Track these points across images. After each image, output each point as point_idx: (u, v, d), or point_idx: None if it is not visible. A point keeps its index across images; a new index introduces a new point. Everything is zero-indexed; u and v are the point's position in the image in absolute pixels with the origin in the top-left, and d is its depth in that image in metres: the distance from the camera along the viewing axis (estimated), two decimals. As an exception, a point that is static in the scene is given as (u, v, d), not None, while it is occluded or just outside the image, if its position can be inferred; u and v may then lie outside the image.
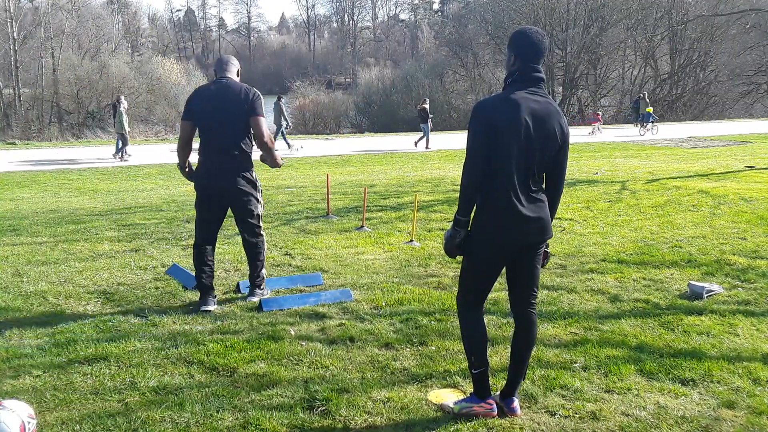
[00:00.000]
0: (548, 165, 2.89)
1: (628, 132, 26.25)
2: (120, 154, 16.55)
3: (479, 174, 2.78)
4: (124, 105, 16.53)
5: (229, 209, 4.53)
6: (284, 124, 19.54)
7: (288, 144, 19.46)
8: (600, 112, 27.65)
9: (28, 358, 3.61)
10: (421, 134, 20.26)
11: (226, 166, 4.37)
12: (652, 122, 24.85)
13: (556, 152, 2.87)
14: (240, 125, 4.35)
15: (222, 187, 4.39)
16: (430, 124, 20.11)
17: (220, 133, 4.34)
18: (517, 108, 2.75)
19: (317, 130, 37.62)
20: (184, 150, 4.48)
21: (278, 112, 19.56)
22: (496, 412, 3.00)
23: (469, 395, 3.09)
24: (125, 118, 16.29)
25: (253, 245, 4.59)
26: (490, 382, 3.11)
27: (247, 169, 4.44)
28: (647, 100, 27.44)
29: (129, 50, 53.81)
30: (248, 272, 4.71)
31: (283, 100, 20.31)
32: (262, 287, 4.74)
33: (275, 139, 19.42)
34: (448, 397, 3.18)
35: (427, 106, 20.04)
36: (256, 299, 4.63)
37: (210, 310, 4.43)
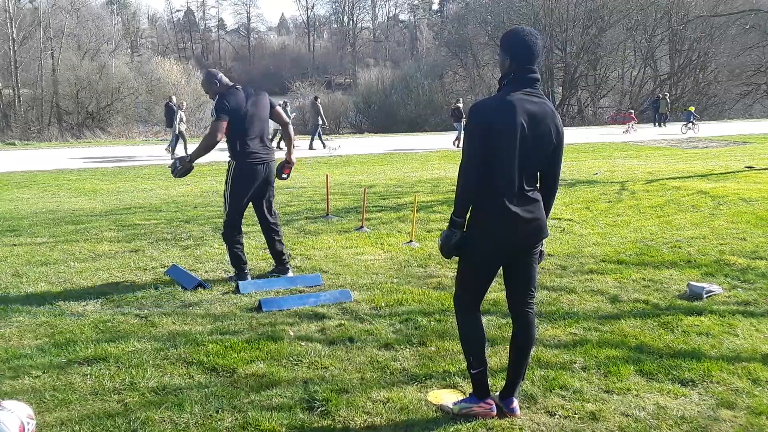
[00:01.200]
0: (544, 166, 2.90)
1: (660, 131, 26.77)
2: (172, 150, 17.46)
3: (476, 175, 2.78)
4: (181, 104, 17.99)
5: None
6: (320, 122, 19.95)
7: (323, 144, 19.85)
8: (632, 111, 27.83)
9: (28, 359, 3.61)
10: (456, 133, 20.74)
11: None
12: (694, 121, 25.42)
13: (552, 153, 2.88)
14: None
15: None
16: (463, 123, 20.38)
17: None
18: (514, 110, 2.75)
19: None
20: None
21: (315, 112, 19.94)
22: (495, 412, 3.00)
23: (468, 395, 3.09)
24: (182, 117, 17.44)
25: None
26: (490, 383, 3.11)
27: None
28: (668, 99, 27.98)
29: (129, 51, 53.82)
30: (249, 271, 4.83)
31: (319, 99, 20.75)
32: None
33: (312, 139, 19.74)
34: (447, 397, 3.18)
35: (461, 105, 20.36)
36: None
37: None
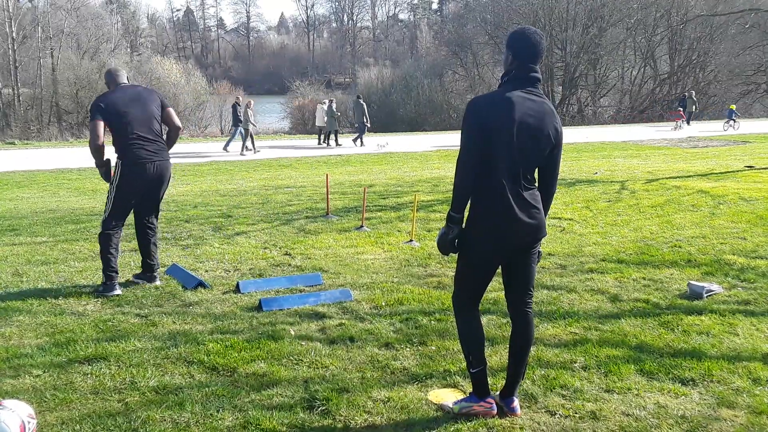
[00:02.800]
0: (542, 164, 2.90)
1: (710, 127, 28.11)
2: (250, 147, 18.39)
3: (472, 171, 2.78)
4: (248, 103, 18.63)
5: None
6: (365, 121, 20.49)
7: (362, 142, 20.39)
8: (681, 109, 28.66)
9: (28, 358, 3.61)
10: None
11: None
12: (735, 119, 26.70)
13: (550, 152, 2.88)
14: None
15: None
16: None
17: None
18: (512, 107, 2.75)
19: (316, 130, 37.53)
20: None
21: (360, 111, 20.42)
22: (495, 411, 3.00)
23: (468, 395, 3.09)
24: (251, 116, 18.39)
25: None
26: (490, 382, 3.11)
27: None
28: (694, 98, 28.80)
29: (128, 50, 53.75)
30: (249, 270, 4.74)
31: (362, 98, 21.32)
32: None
33: (361, 137, 20.47)
34: (447, 396, 3.18)
35: None
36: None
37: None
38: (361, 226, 7.27)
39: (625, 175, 11.74)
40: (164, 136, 5.06)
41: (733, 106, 27.80)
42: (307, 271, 5.48)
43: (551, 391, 3.25)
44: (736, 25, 36.93)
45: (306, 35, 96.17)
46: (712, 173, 11.80)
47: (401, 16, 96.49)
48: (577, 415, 3.02)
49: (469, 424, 2.93)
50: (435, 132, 30.10)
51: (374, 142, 20.93)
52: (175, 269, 5.36)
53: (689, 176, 11.35)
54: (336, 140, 20.83)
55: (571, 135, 23.46)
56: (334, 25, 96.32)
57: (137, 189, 4.88)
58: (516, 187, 2.80)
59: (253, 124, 18.87)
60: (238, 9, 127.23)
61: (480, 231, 2.86)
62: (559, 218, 7.72)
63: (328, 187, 8.17)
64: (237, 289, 4.92)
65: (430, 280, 5.25)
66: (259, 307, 4.50)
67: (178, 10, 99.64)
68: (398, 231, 7.16)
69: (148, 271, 5.12)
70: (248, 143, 18.45)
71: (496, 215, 2.80)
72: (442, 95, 44.45)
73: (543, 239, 2.99)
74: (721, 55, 42.25)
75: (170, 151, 5.10)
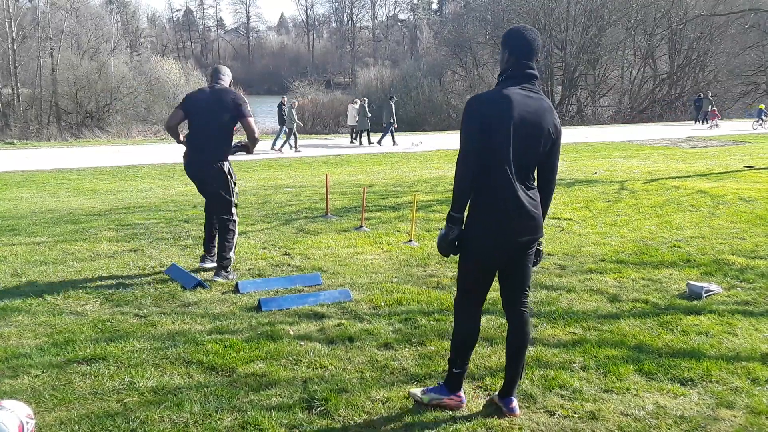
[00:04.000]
0: (540, 162, 2.89)
1: (738, 126, 29.41)
2: (293, 146, 19.14)
3: (472, 170, 2.77)
4: (293, 104, 19.71)
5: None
6: (392, 121, 21.03)
7: (393, 141, 21.02)
8: (716, 108, 30.39)
9: (27, 358, 3.61)
10: None
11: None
12: (764, 117, 28.09)
13: (549, 149, 2.88)
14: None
15: None
16: None
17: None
18: (510, 104, 2.75)
19: (316, 130, 37.56)
20: None
21: (389, 112, 20.92)
22: (464, 405, 3.06)
23: (438, 385, 3.12)
24: (295, 115, 19.13)
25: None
26: (490, 382, 3.12)
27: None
28: (711, 99, 29.34)
29: (128, 50, 53.75)
30: (249, 270, 4.76)
31: (394, 100, 21.80)
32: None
33: (393, 136, 21.03)
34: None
35: None
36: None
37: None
38: (361, 227, 7.27)
39: (624, 175, 11.74)
40: (225, 140, 5.23)
41: (762, 106, 29.02)
42: (307, 272, 5.48)
43: (550, 391, 3.25)
44: (736, 25, 36.95)
45: (306, 35, 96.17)
46: (711, 173, 11.80)
47: (401, 16, 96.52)
48: (576, 416, 3.02)
49: (468, 423, 2.94)
50: (433, 132, 30.09)
51: (408, 140, 21.63)
52: (174, 269, 5.36)
53: (688, 176, 11.35)
54: (368, 139, 21.49)
55: (570, 135, 23.48)
56: (333, 25, 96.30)
57: (192, 181, 5.37)
58: (515, 185, 2.80)
59: (299, 124, 19.63)
60: (237, 9, 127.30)
61: (480, 230, 2.85)
62: (559, 218, 7.72)
63: (327, 187, 8.16)
64: (236, 290, 4.92)
65: (429, 280, 5.25)
66: (258, 308, 4.50)
67: (177, 10, 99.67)
68: (397, 231, 7.15)
69: (218, 265, 5.32)
70: (291, 141, 19.19)
71: (496, 214, 2.80)
72: (442, 95, 44.47)
73: (542, 239, 2.99)
74: (720, 55, 42.28)
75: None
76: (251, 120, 5.18)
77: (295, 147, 19.14)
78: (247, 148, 5.28)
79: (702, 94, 31.50)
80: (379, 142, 21.28)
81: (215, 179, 5.16)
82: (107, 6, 63.67)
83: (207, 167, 5.14)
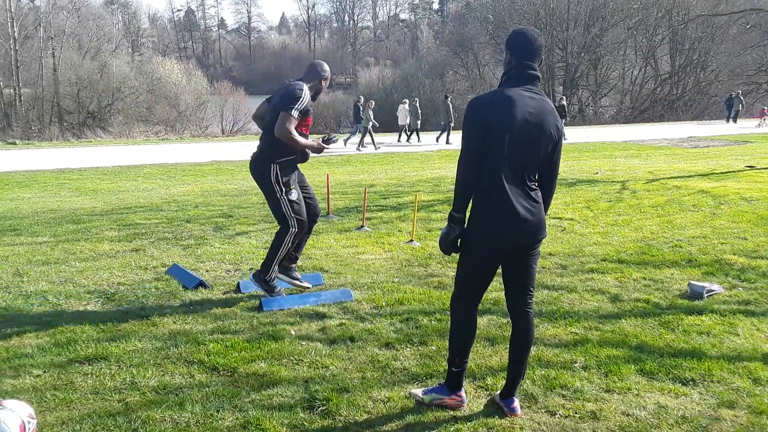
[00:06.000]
0: (542, 163, 2.89)
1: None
2: (368, 144, 20.01)
3: (474, 170, 2.78)
4: (369, 103, 20.32)
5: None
6: (450, 120, 21.61)
7: (447, 140, 21.50)
8: (766, 107, 30.73)
9: (29, 358, 3.62)
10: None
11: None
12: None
13: (551, 150, 2.88)
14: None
15: None
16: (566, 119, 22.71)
17: None
18: (512, 104, 2.75)
19: (317, 130, 37.65)
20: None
21: (445, 111, 21.56)
22: (465, 405, 3.06)
23: (439, 385, 3.13)
24: (371, 114, 19.91)
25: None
26: (491, 382, 3.12)
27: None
28: (741, 98, 29.53)
29: (129, 50, 53.87)
30: (250, 270, 4.71)
31: (450, 98, 22.51)
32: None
33: (448, 135, 21.53)
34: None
35: (564, 102, 22.84)
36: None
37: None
38: (362, 226, 7.27)
39: (626, 175, 11.73)
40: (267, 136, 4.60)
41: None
42: (308, 271, 5.48)
43: (551, 391, 3.25)
44: (737, 25, 36.96)
45: (307, 35, 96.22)
46: (713, 173, 11.79)
47: (402, 16, 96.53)
48: (577, 415, 3.02)
49: (469, 423, 2.94)
50: (434, 132, 30.03)
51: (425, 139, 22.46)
52: (175, 269, 5.36)
53: (690, 176, 11.33)
54: (418, 137, 22.36)
55: (571, 135, 23.47)
56: (335, 25, 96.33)
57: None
58: (517, 186, 2.80)
59: (375, 123, 20.25)
60: (239, 9, 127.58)
61: (481, 230, 2.85)
62: (560, 218, 7.71)
63: (329, 186, 8.17)
64: (237, 289, 4.92)
65: (430, 280, 5.25)
66: (259, 307, 4.50)
67: (179, 11, 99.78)
68: (399, 231, 7.16)
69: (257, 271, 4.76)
70: (366, 139, 20.08)
71: (497, 214, 2.80)
72: (443, 95, 44.45)
73: (543, 239, 2.99)
74: (722, 55, 42.27)
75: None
76: (282, 114, 4.32)
77: (374, 144, 19.81)
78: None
79: (733, 93, 31.72)
80: (437, 139, 22.21)
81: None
82: (108, 6, 63.73)
83: (255, 166, 4.71)
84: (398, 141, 22.16)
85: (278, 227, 4.63)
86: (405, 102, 22.40)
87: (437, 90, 44.63)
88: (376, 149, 19.52)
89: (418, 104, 22.10)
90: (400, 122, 22.30)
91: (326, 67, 4.73)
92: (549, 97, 2.83)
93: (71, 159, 16.83)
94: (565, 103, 22.83)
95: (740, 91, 32.87)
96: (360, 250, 6.25)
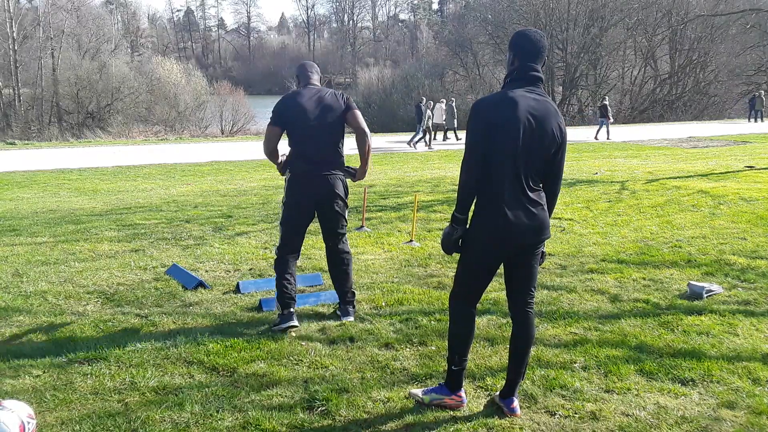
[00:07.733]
0: (546, 164, 2.89)
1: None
2: (416, 143, 20.20)
3: (477, 171, 2.78)
4: (430, 104, 20.84)
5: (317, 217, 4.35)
6: (454, 123, 22.29)
7: (457, 136, 22.44)
8: None
9: (28, 358, 3.61)
10: (598, 127, 22.99)
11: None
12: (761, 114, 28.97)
13: (554, 152, 2.88)
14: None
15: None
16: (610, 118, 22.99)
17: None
18: (516, 106, 2.75)
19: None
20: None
21: (451, 115, 22.21)
22: (465, 404, 3.06)
23: (439, 385, 3.13)
24: (431, 115, 20.42)
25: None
26: (490, 382, 3.12)
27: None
28: (763, 98, 29.61)
29: (129, 50, 53.84)
30: (249, 270, 4.70)
31: (453, 101, 23.18)
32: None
33: (451, 134, 22.34)
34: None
35: (607, 102, 23.35)
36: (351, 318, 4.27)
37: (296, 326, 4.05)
38: (362, 227, 7.27)
39: (625, 176, 11.73)
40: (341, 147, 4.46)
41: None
42: (308, 272, 5.48)
43: (551, 391, 3.25)
44: (737, 25, 36.97)
45: (306, 35, 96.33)
46: (712, 173, 11.79)
47: (401, 16, 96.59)
48: (577, 416, 3.02)
49: (468, 423, 2.94)
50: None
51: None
52: (175, 269, 5.36)
53: (689, 176, 11.33)
54: (456, 135, 22.64)
55: (571, 135, 23.44)
56: (334, 25, 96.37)
57: (303, 205, 4.25)
58: (520, 187, 2.80)
59: (431, 121, 20.75)
60: (238, 9, 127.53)
61: (483, 230, 2.86)
62: (560, 218, 7.71)
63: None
64: (237, 290, 4.92)
65: (430, 280, 5.25)
66: (259, 308, 4.50)
67: (178, 11, 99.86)
68: (398, 231, 7.16)
69: (341, 302, 4.34)
70: (425, 138, 20.47)
71: (499, 215, 2.80)
72: (443, 95, 44.44)
73: (546, 240, 2.99)
74: (721, 55, 42.26)
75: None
76: (359, 112, 4.34)
77: (413, 142, 20.21)
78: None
79: (756, 93, 32.01)
80: (448, 138, 22.82)
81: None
82: (107, 6, 63.73)
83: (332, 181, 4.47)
84: (434, 139, 21.99)
85: (341, 244, 4.39)
86: (442, 101, 22.72)
87: (437, 90, 44.63)
88: (411, 146, 20.12)
89: (454, 104, 22.66)
90: (436, 120, 22.45)
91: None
92: (549, 96, 2.81)
93: (70, 159, 16.82)
94: (607, 102, 23.25)
95: (763, 91, 32.89)
96: (359, 251, 6.25)
